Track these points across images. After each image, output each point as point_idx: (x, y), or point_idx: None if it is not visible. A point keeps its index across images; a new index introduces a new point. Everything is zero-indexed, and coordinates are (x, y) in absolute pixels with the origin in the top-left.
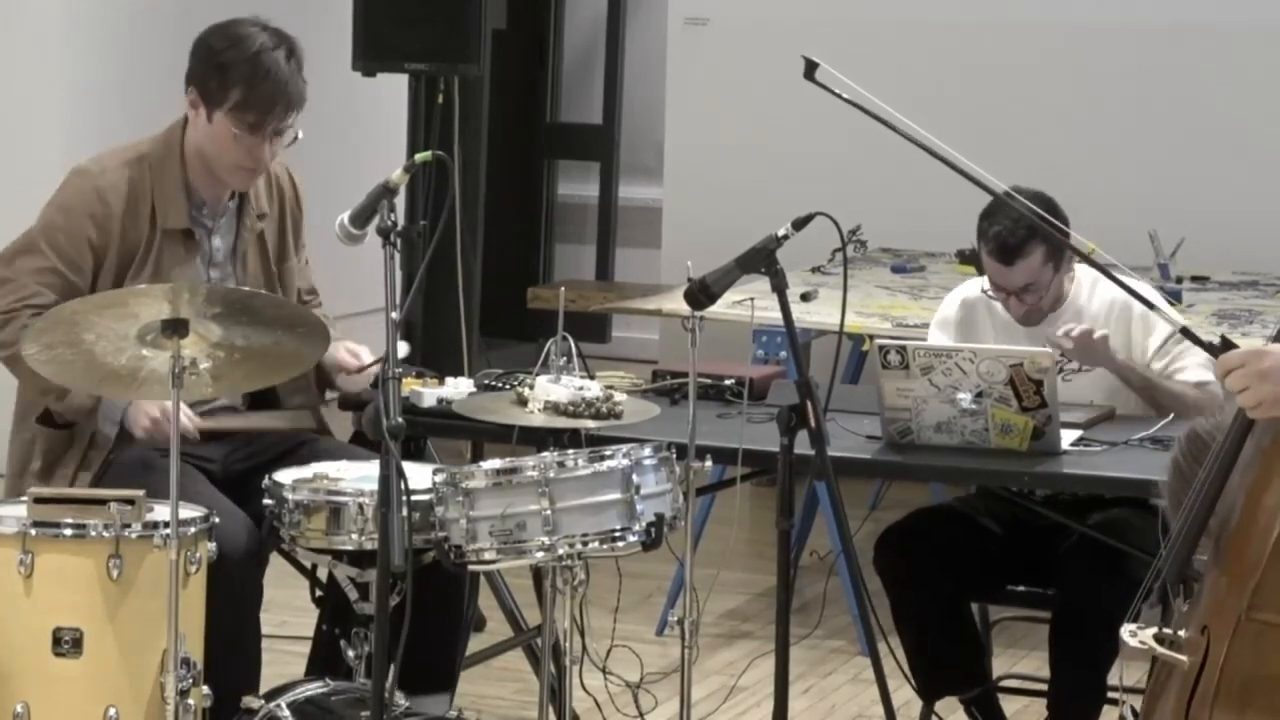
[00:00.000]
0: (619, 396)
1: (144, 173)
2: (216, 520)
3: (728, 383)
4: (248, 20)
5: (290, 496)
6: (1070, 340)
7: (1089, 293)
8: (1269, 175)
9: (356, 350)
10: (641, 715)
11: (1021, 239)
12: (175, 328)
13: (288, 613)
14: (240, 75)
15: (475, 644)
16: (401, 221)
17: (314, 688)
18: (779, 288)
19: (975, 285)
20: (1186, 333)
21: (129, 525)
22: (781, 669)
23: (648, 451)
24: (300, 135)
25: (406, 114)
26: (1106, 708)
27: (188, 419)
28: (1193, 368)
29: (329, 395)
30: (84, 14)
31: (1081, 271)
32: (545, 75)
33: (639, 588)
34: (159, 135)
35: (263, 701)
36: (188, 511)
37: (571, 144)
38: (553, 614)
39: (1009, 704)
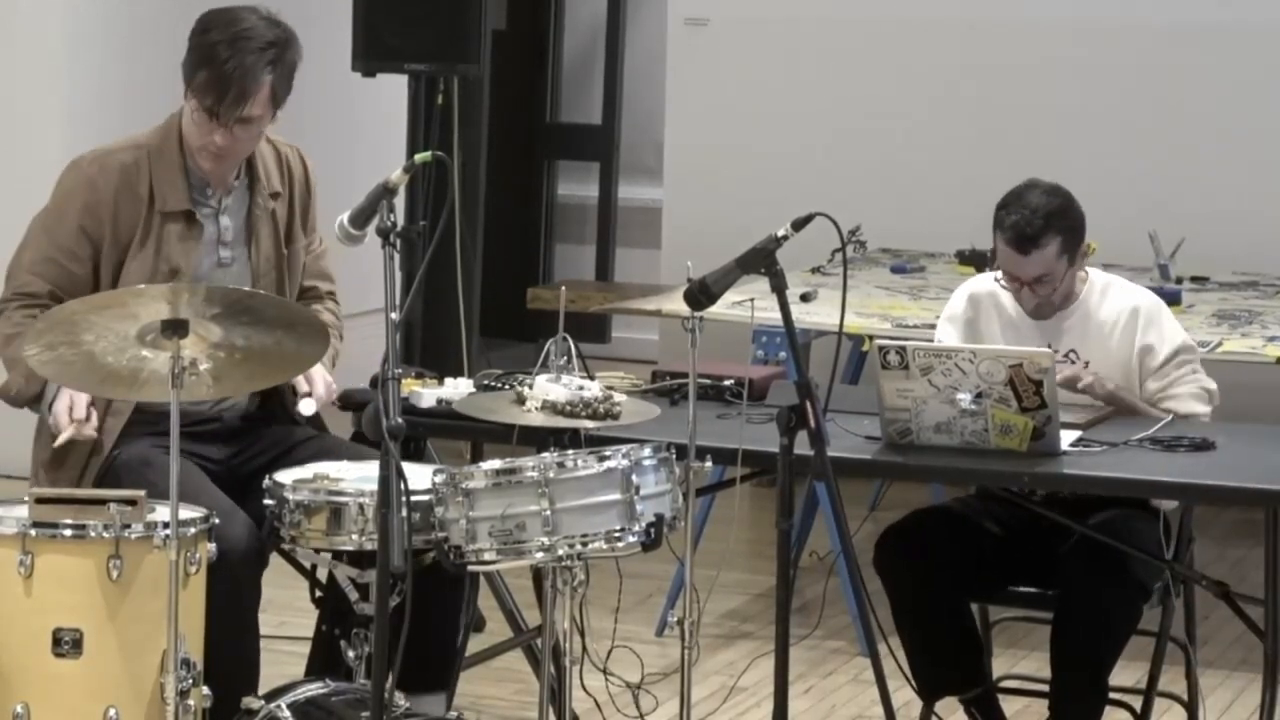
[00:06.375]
0: (617, 397)
1: (141, 159)
2: (216, 521)
3: (727, 383)
4: (249, 8)
5: (290, 497)
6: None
7: (1099, 298)
8: (1269, 175)
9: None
10: (641, 716)
11: (1039, 229)
12: (175, 328)
13: (288, 613)
14: (204, 57)
15: (475, 644)
16: (401, 221)
17: (314, 688)
18: (779, 288)
19: (983, 280)
20: None
21: (129, 526)
22: (781, 669)
23: (647, 452)
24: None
25: (406, 114)
26: (1107, 708)
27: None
28: (1185, 398)
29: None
30: (84, 14)
31: (1093, 276)
32: (545, 75)
33: (639, 588)
34: (159, 126)
35: (263, 702)
36: (188, 512)
37: (571, 144)
38: (553, 614)
39: (1009, 704)
